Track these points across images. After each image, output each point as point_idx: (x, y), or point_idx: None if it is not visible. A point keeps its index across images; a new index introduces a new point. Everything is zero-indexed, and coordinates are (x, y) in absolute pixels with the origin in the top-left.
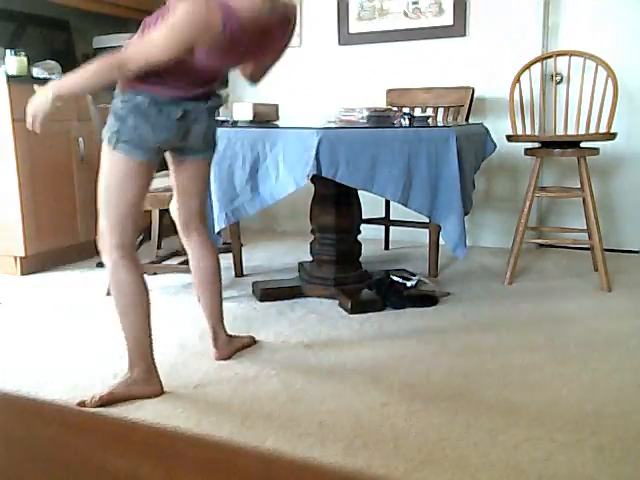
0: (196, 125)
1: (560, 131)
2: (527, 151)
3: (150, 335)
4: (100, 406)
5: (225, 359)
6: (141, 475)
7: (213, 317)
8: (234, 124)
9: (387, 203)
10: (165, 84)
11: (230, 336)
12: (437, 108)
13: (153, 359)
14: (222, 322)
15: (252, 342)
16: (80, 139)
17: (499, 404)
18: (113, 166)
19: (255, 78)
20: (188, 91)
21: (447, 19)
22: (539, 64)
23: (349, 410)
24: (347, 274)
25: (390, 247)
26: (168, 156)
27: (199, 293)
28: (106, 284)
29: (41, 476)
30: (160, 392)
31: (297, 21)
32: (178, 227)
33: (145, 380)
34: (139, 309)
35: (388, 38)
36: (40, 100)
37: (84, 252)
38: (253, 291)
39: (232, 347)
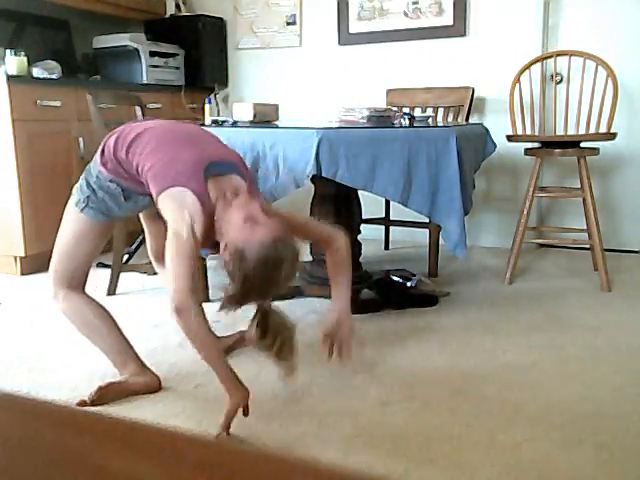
0: None
1: (560, 131)
2: (527, 151)
3: (128, 343)
4: (99, 398)
5: None
6: (141, 475)
7: None
8: (234, 124)
9: (387, 203)
10: (138, 184)
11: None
12: (437, 108)
13: (141, 360)
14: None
15: (242, 337)
16: (80, 139)
17: (499, 404)
18: (76, 224)
19: None
20: None
21: (447, 19)
22: (539, 64)
23: (349, 410)
24: None
25: (390, 247)
26: None
27: None
28: (65, 316)
29: (41, 476)
30: (158, 385)
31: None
32: (150, 255)
33: (140, 374)
34: (107, 329)
35: (388, 38)
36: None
37: None
38: None
39: (221, 345)
